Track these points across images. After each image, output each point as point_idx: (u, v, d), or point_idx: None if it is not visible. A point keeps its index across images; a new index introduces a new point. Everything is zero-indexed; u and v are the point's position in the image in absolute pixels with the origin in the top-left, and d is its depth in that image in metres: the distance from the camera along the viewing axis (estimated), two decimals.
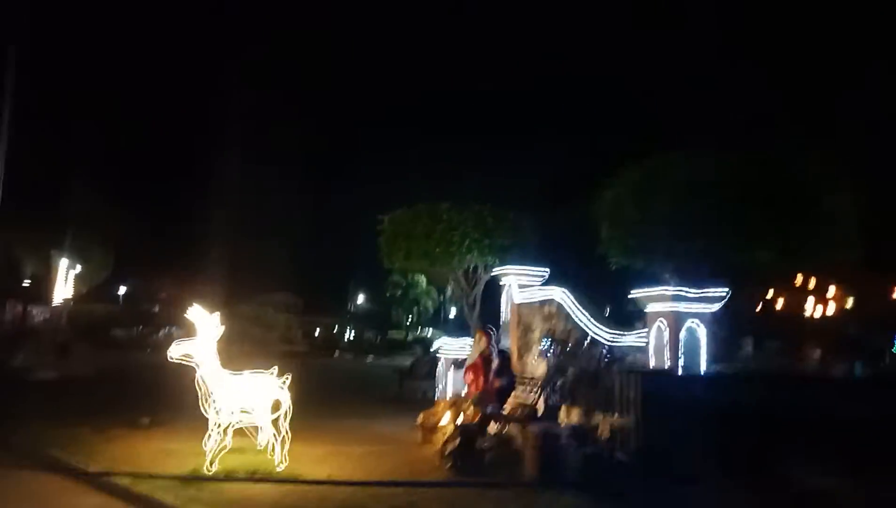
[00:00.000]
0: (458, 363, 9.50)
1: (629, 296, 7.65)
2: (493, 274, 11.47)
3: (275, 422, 7.89)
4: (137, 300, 58.13)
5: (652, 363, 7.05)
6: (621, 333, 8.45)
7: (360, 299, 68.80)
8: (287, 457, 7.72)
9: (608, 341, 8.56)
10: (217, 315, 8.44)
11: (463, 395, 8.71)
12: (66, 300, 31.68)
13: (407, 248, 12.22)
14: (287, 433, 7.80)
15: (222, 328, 8.70)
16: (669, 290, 7.18)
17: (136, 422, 10.76)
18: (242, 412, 7.87)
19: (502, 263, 11.24)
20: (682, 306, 7.07)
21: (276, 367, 8.39)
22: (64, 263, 30.88)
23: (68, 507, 6.65)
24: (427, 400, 16.04)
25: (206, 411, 8.55)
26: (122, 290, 54.42)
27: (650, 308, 7.21)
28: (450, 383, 11.42)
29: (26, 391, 16.62)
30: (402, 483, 7.36)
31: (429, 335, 40.05)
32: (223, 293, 60.38)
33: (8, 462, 8.49)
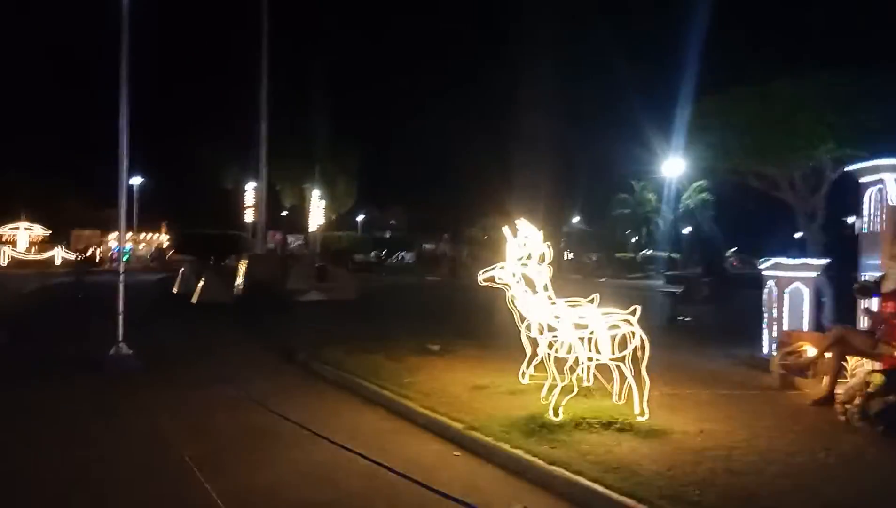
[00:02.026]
0: (864, 290, 6.96)
1: None
2: (852, 169, 8.41)
3: (622, 361, 6.12)
4: (372, 228, 61.58)
5: None
6: None
7: (575, 219, 66.30)
8: (647, 407, 5.92)
9: None
10: (536, 233, 6.83)
11: (877, 331, 6.23)
12: (318, 228, 33.55)
13: (720, 144, 9.53)
14: (645, 377, 5.98)
15: (542, 249, 7.17)
16: None
17: (426, 348, 9.82)
18: (576, 345, 6.18)
19: (871, 154, 8.16)
20: None
21: (596, 295, 6.61)
22: (316, 194, 32.45)
23: (410, 455, 5.49)
24: (707, 327, 13.64)
25: (528, 342, 7.19)
26: (360, 218, 57.62)
27: None
28: (785, 312, 8.91)
29: (304, 313, 17.04)
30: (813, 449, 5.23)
31: (666, 255, 36.54)
32: (450, 219, 61.71)
33: (323, 393, 7.82)
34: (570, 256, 58.50)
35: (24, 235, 48.59)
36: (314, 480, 4.97)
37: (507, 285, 7.23)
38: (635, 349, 6.00)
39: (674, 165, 37.46)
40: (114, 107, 9.95)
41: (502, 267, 7.27)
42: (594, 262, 47.15)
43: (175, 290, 21.29)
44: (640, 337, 5.98)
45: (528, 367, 7.36)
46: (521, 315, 7.26)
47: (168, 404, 7.18)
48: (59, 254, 45.21)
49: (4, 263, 44.76)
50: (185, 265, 23.13)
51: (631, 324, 6.03)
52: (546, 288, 6.50)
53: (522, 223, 6.69)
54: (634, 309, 6.07)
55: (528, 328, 7.23)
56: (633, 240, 41.80)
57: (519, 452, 5.22)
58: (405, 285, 28.82)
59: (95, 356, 9.22)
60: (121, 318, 9.35)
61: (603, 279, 32.57)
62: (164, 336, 11.36)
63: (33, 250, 48.07)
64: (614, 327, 6.05)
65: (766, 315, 9.17)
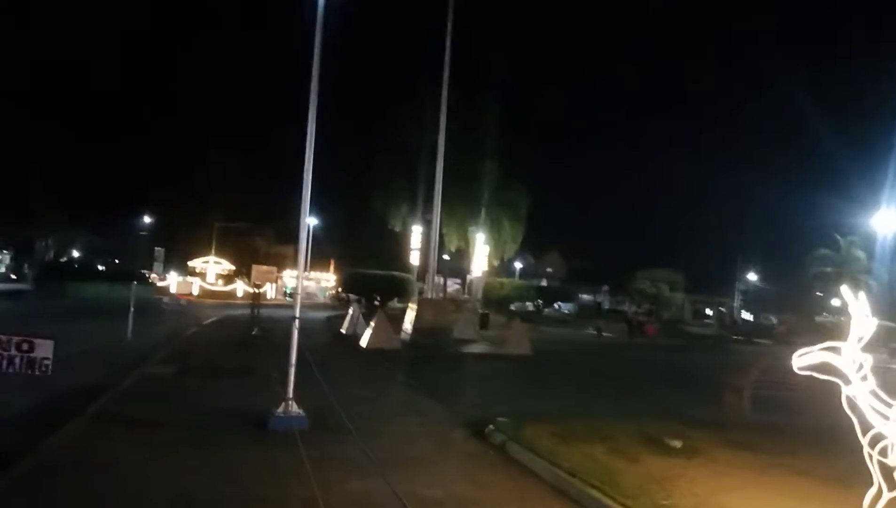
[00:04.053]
0: None
1: None
2: None
3: None
4: (528, 275, 59.26)
5: None
6: None
7: (752, 275, 59.63)
8: None
9: None
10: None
11: None
12: (483, 273, 31.93)
13: None
14: None
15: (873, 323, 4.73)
16: None
17: (662, 442, 7.24)
18: None
19: None
20: None
21: None
22: (480, 238, 30.93)
23: None
24: None
25: (869, 458, 4.59)
26: (518, 265, 55.53)
27: None
28: None
29: (477, 370, 15.09)
30: None
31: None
32: (606, 268, 57.67)
33: (544, 503, 5.54)
34: (749, 317, 52.26)
35: (213, 268, 52.37)
36: None
37: (843, 377, 4.72)
38: None
39: (888, 218, 31.59)
40: (296, 149, 8.77)
41: (834, 349, 4.78)
42: (780, 325, 41.19)
43: (343, 331, 20.39)
44: None
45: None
46: (862, 425, 4.67)
47: (334, 499, 5.30)
48: (241, 286, 47.80)
49: (196, 292, 48.22)
50: (353, 306, 22.28)
51: None
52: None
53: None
54: None
55: (883, 451, 4.59)
56: (836, 303, 35.57)
57: None
58: (577, 341, 26.05)
59: (262, 412, 7.75)
60: (292, 371, 7.82)
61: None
62: (336, 391, 9.77)
63: (220, 282, 51.59)
64: None
65: None
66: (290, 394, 7.76)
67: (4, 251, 53.51)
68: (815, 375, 4.76)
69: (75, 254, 57.91)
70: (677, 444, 7.15)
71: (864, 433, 4.63)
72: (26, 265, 48.44)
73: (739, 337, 36.70)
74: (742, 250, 55.72)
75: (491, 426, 7.76)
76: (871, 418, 4.50)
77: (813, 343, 4.80)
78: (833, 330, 34.56)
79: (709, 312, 52.78)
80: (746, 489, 5.76)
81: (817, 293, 41.60)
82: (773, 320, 46.45)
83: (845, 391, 4.67)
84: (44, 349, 7.57)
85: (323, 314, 28.94)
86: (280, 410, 7.68)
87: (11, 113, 39.43)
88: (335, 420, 7.95)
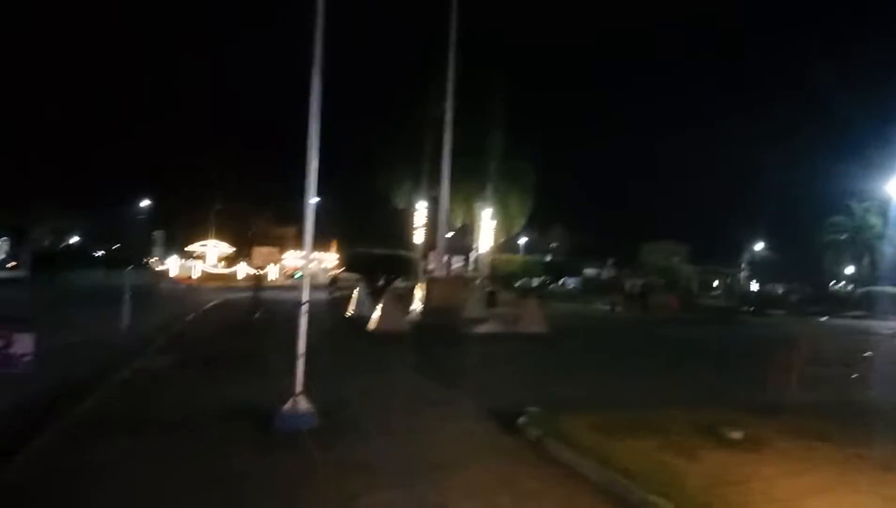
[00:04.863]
0: None
1: None
2: None
3: None
4: (533, 251, 58.37)
5: None
6: None
7: (758, 245, 58.80)
8: None
9: None
10: None
11: None
12: (490, 249, 30.98)
13: None
14: None
15: None
16: None
17: (718, 433, 6.42)
18: None
19: None
20: None
21: None
22: (487, 213, 29.93)
23: None
24: None
25: None
26: (522, 240, 54.56)
27: None
28: None
29: (493, 351, 14.25)
30: None
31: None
32: (611, 241, 56.68)
33: None
34: (756, 287, 51.41)
35: (213, 251, 51.48)
36: None
37: None
38: None
39: None
40: (296, 128, 7.84)
41: None
42: (791, 294, 40.34)
43: (348, 314, 19.56)
44: None
45: None
46: None
47: None
48: (242, 269, 46.96)
49: (196, 276, 47.38)
50: (358, 287, 21.39)
51: None
52: None
53: None
54: None
55: None
56: (850, 271, 34.67)
57: None
58: (590, 316, 25.26)
59: (266, 409, 6.93)
60: (300, 363, 6.98)
61: (824, 318, 26.67)
62: (346, 382, 8.96)
63: (220, 264, 50.74)
64: None
65: None
66: (298, 389, 6.93)
67: (3, 238, 52.57)
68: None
69: (74, 240, 57.02)
70: (738, 435, 6.33)
71: None
72: (21, 253, 47.57)
73: (751, 308, 35.92)
74: (749, 219, 54.80)
75: (523, 419, 6.94)
76: None
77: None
78: (848, 299, 33.69)
79: (716, 283, 51.92)
80: (834, 490, 4.95)
81: (828, 262, 40.73)
82: (780, 289, 45.61)
83: None
84: (22, 343, 6.73)
85: (325, 295, 28.10)
86: (287, 407, 6.85)
87: (9, 98, 38.43)
88: (349, 417, 7.14)
